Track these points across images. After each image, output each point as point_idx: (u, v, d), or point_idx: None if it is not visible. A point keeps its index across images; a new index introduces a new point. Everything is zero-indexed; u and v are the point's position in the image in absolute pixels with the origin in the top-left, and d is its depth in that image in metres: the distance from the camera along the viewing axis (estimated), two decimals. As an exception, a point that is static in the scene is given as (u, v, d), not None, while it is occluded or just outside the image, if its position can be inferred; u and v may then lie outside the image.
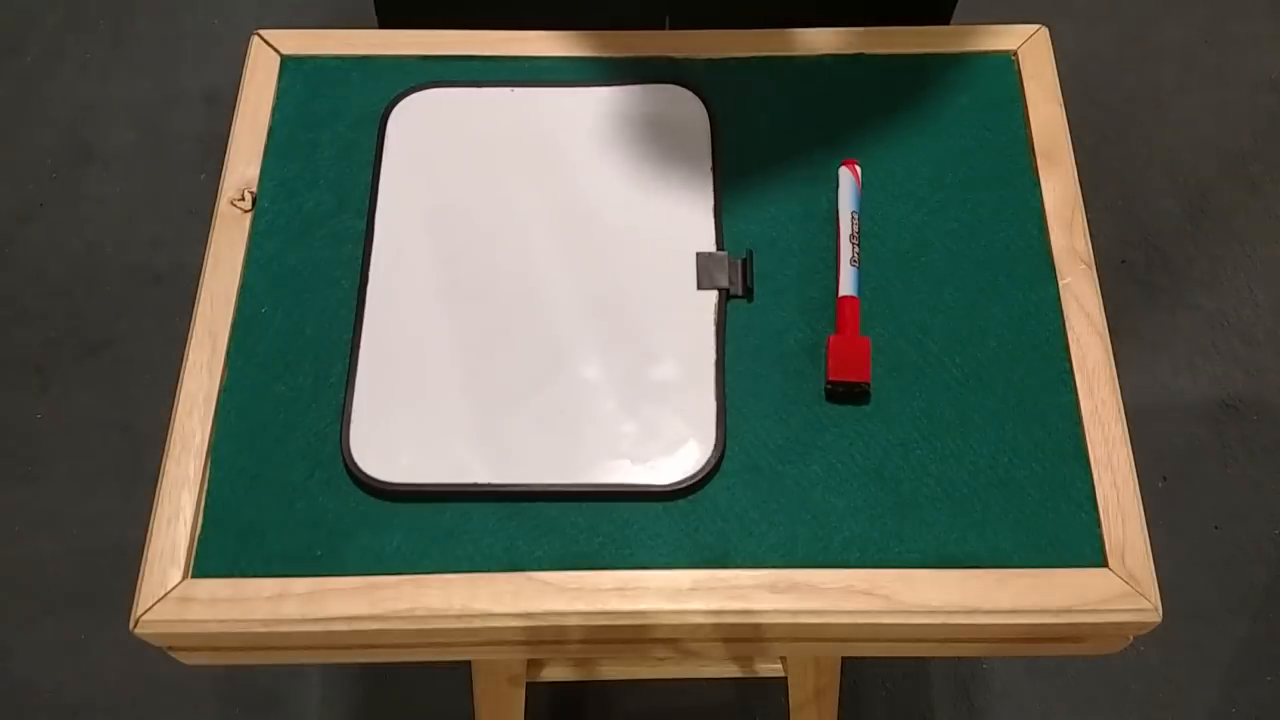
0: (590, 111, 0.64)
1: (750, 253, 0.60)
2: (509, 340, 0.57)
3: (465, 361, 0.56)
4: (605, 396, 0.55)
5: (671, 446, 0.54)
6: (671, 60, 0.66)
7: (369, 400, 0.55)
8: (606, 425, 0.55)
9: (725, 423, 0.55)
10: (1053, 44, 0.67)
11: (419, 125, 0.63)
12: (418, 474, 0.53)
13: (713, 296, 0.58)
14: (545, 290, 0.59)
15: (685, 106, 0.64)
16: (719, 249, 0.60)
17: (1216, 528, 1.32)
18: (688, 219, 0.60)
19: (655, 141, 0.63)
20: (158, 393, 1.40)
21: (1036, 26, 0.67)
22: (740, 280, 0.59)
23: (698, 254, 0.59)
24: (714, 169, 0.62)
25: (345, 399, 0.55)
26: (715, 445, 0.54)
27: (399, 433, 0.54)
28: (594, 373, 0.56)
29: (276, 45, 0.67)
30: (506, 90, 0.65)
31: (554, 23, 0.68)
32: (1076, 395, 0.56)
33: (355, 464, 0.53)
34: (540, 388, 0.56)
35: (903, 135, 0.64)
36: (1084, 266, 0.59)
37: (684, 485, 0.53)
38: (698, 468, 0.54)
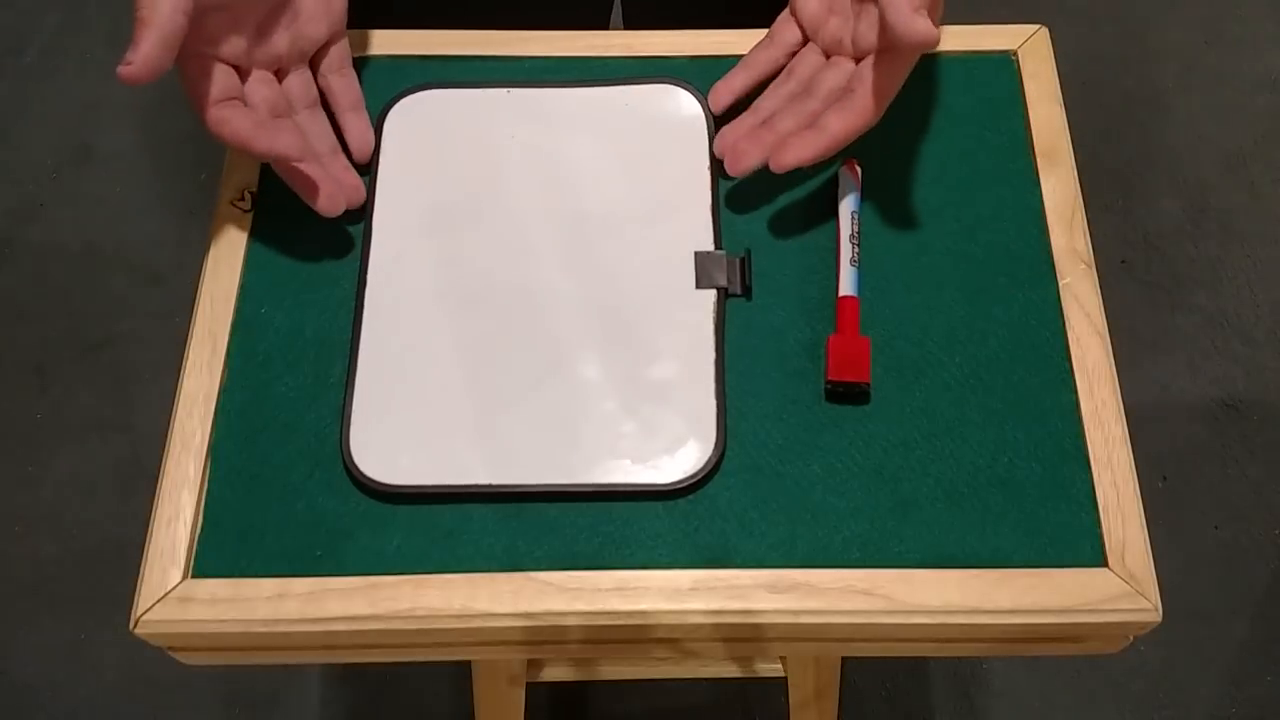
0: (588, 111, 0.64)
1: (749, 251, 0.60)
2: (508, 340, 0.57)
3: (464, 362, 0.56)
4: (605, 396, 0.55)
5: (671, 446, 0.54)
6: (669, 59, 0.66)
7: (369, 400, 0.55)
8: (606, 425, 0.55)
9: (725, 422, 0.55)
10: (1053, 44, 0.67)
11: (417, 125, 0.63)
12: (418, 475, 0.53)
13: (711, 296, 0.58)
14: (544, 290, 0.58)
15: (683, 105, 0.64)
16: (717, 248, 0.60)
17: (1216, 528, 1.32)
18: (686, 218, 0.60)
19: (653, 141, 0.63)
20: (158, 393, 1.40)
21: (1036, 26, 0.67)
22: (739, 279, 0.59)
23: (696, 253, 0.59)
24: (712, 168, 0.62)
25: (345, 399, 0.55)
26: (715, 445, 0.54)
27: (399, 433, 0.54)
28: (593, 372, 0.56)
29: (276, 45, 0.67)
30: (504, 90, 0.65)
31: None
32: (1076, 395, 0.56)
33: (355, 465, 0.53)
34: (540, 388, 0.56)
35: (903, 135, 0.64)
36: (1084, 266, 0.59)
37: (684, 485, 0.53)
38: (698, 467, 0.54)
